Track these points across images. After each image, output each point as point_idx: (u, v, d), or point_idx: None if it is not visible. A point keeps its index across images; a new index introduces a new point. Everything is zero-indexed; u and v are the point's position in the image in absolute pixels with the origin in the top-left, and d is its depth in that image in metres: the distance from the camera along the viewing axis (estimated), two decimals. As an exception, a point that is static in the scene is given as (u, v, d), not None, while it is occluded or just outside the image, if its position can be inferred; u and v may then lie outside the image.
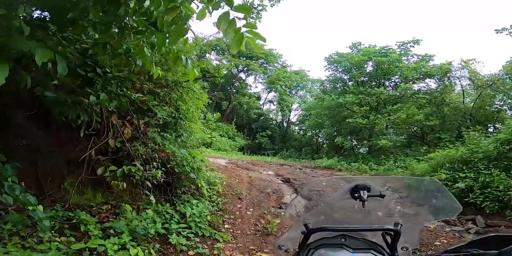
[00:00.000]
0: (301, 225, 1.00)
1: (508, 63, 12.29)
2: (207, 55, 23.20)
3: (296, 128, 28.76)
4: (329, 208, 1.24)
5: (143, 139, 3.84)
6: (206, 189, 5.14)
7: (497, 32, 6.71)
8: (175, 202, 4.30)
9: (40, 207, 2.28)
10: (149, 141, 3.81)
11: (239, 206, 5.34)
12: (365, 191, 1.04)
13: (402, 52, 15.98)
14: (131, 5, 1.91)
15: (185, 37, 1.92)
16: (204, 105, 5.91)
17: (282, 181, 8.39)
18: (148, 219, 3.31)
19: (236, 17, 1.48)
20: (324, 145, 22.81)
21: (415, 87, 15.49)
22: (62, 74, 1.70)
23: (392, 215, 1.21)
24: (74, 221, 2.89)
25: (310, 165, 13.88)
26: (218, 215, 4.58)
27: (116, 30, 2.12)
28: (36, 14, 2.34)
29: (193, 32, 2.24)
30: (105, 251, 2.59)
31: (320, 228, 0.96)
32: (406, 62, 15.82)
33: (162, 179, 3.71)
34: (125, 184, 3.51)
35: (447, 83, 14.88)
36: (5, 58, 1.44)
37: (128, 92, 3.02)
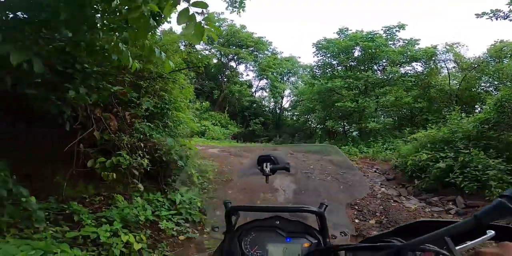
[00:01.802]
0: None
1: (492, 46, 12.48)
2: (196, 45, 22.83)
3: (289, 114, 28.92)
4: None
5: (129, 130, 3.95)
6: (197, 176, 5.32)
7: (478, 17, 6.78)
8: (166, 190, 4.48)
9: (33, 198, 2.41)
10: (135, 132, 3.93)
11: (230, 192, 5.54)
12: (268, 163, 0.93)
13: (388, 36, 16.19)
14: (100, 4, 1.98)
15: (155, 33, 2.00)
16: (190, 94, 6.00)
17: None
18: (139, 207, 3.48)
19: (195, 12, 1.57)
20: (317, 130, 23.06)
21: (402, 70, 15.77)
22: (39, 72, 1.79)
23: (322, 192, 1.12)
24: (67, 211, 3.04)
25: (302, 149, 14.17)
26: (209, 201, 4.78)
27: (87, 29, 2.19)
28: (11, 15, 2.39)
29: (157, 27, 2.30)
30: (98, 238, 2.76)
31: (240, 207, 0.88)
32: (393, 47, 16.05)
33: (149, 168, 3.85)
34: (115, 175, 3.66)
35: (432, 66, 15.14)
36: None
37: (108, 85, 3.10)
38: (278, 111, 28.57)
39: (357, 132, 16.78)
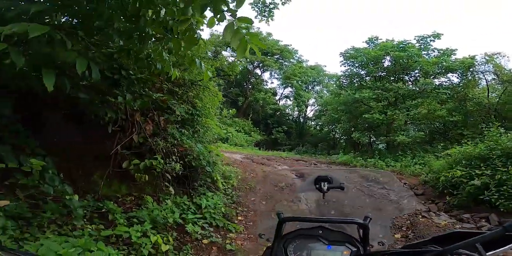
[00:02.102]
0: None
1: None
2: (223, 51, 23.47)
3: (313, 123, 28.55)
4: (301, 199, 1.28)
5: (163, 134, 4.14)
6: (222, 182, 5.42)
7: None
8: (192, 194, 4.60)
9: (76, 196, 2.59)
10: (168, 137, 4.11)
11: (252, 199, 5.58)
12: (325, 183, 1.08)
13: (422, 46, 15.48)
14: (149, 15, 2.14)
15: (200, 46, 2.12)
16: (219, 101, 6.17)
17: (296, 176, 8.53)
18: (167, 209, 3.61)
19: (240, 26, 1.66)
20: (341, 141, 22.54)
21: (436, 82, 15.01)
22: (96, 79, 1.96)
23: (361, 207, 1.26)
24: (103, 210, 3.21)
25: (325, 160, 13.91)
26: (232, 207, 4.85)
27: (137, 37, 2.37)
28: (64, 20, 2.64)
29: (203, 41, 2.44)
30: (129, 238, 2.89)
31: (291, 218, 0.99)
32: (426, 57, 15.31)
33: (181, 172, 4.00)
34: (147, 177, 3.83)
35: (470, 78, 14.28)
36: (52, 68, 1.71)
37: (150, 92, 3.30)
38: (301, 120, 28.33)
39: (383, 145, 16.18)
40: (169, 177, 3.80)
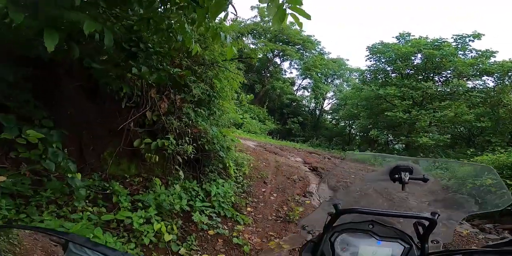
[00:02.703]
0: (328, 206, 0.94)
1: None
2: (244, 38, 22.95)
3: (329, 117, 28.07)
4: (362, 189, 1.17)
5: (178, 114, 3.91)
6: (234, 169, 5.21)
7: None
8: (202, 179, 4.42)
9: (79, 175, 2.41)
10: (183, 116, 3.88)
11: (263, 190, 5.37)
12: (407, 173, 0.95)
13: (459, 46, 14.44)
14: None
15: (227, 14, 1.81)
16: (238, 86, 5.87)
17: (310, 169, 8.26)
18: (175, 194, 3.43)
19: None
20: (357, 137, 22.04)
21: (470, 84, 14.07)
22: (109, 45, 1.72)
23: (431, 203, 1.12)
24: (107, 191, 3.06)
25: (340, 156, 13.50)
26: (242, 197, 4.64)
27: (160, 5, 2.08)
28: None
29: (234, 7, 2.13)
30: (131, 224, 2.72)
31: (349, 209, 0.88)
32: (463, 57, 14.30)
33: (192, 155, 3.78)
34: (157, 157, 3.65)
35: (507, 82, 13.26)
36: (56, 28, 1.47)
37: (168, 67, 3.04)
38: (317, 113, 27.77)
39: (402, 145, 15.57)
40: (180, 160, 3.59)
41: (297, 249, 1.04)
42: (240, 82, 5.82)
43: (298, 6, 1.47)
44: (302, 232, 1.04)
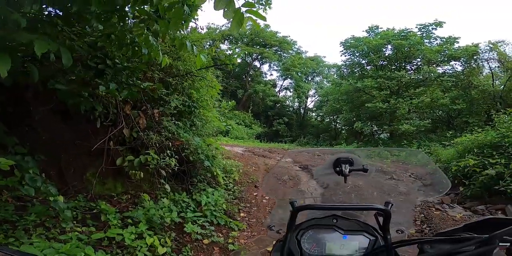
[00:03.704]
0: (286, 204, 0.93)
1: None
2: (221, 44, 23.07)
3: (314, 114, 28.39)
4: (315, 184, 1.16)
5: (157, 128, 3.87)
6: (222, 177, 5.19)
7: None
8: (191, 190, 4.37)
9: (61, 198, 2.34)
10: (163, 130, 3.85)
11: (255, 194, 5.37)
12: (347, 165, 0.97)
13: (424, 35, 15.13)
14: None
15: (188, 23, 1.83)
16: (218, 93, 5.87)
17: (300, 168, 8.30)
18: (165, 208, 3.38)
19: (234, -6, 1.37)
20: (343, 131, 22.39)
21: (440, 70, 14.70)
22: (67, 65, 1.69)
23: (382, 193, 1.12)
24: (95, 211, 2.99)
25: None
26: (234, 203, 4.62)
27: (118, 21, 2.08)
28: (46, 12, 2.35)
29: (193, 19, 2.15)
30: (122, 240, 2.67)
31: (305, 206, 0.88)
32: (429, 45, 14.97)
33: (177, 168, 3.75)
34: (142, 174, 3.59)
35: (474, 65, 13.96)
36: (9, 51, 1.44)
37: (138, 81, 3.01)
38: (302, 112, 28.07)
39: (386, 134, 15.96)
40: (164, 174, 3.54)
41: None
42: (220, 90, 5.84)
43: (253, 9, 1.51)
44: (270, 232, 1.02)
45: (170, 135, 3.94)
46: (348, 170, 0.97)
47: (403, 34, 15.18)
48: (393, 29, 16.04)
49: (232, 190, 5.18)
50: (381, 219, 0.88)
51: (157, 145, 3.57)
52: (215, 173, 4.89)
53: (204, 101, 5.05)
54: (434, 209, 5.27)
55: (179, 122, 4.27)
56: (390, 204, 0.87)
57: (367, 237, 0.91)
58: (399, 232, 0.96)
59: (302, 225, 0.93)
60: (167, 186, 3.48)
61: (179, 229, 3.32)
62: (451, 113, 14.33)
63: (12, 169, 2.39)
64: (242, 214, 4.32)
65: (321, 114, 25.64)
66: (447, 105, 13.15)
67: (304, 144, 18.93)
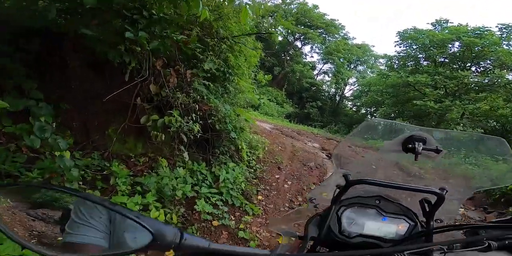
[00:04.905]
0: (339, 177, 0.91)
1: None
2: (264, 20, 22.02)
3: (349, 103, 27.06)
4: (375, 161, 1.15)
5: (186, 89, 3.56)
6: (246, 152, 4.90)
7: None
8: (211, 162, 4.14)
9: (67, 153, 2.13)
10: (192, 91, 3.53)
11: (277, 176, 5.05)
12: (420, 143, 0.91)
13: (504, 35, 12.94)
14: None
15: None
16: (256, 65, 5.39)
17: (328, 156, 7.82)
18: (180, 178, 3.15)
19: None
20: (378, 126, 20.98)
21: (511, 76, 12.73)
22: (88, 3, 1.34)
23: (440, 177, 1.09)
24: (106, 172, 2.81)
25: (360, 144, 12.90)
26: (253, 183, 4.34)
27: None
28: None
29: None
30: (124, 210, 2.46)
31: (359, 181, 0.87)
32: (507, 48, 12.90)
33: (199, 135, 3.46)
34: (163, 136, 3.36)
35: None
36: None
37: (173, 34, 2.63)
38: (337, 99, 26.77)
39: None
40: (185, 140, 3.26)
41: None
42: (258, 61, 5.35)
43: None
44: (310, 205, 1.02)
45: (199, 98, 3.62)
46: (421, 148, 0.90)
47: (477, 32, 13.20)
48: (466, 25, 14.02)
49: (254, 168, 4.90)
50: (427, 205, 0.89)
51: (183, 106, 3.26)
52: (239, 147, 4.60)
53: (240, 69, 4.62)
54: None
55: (211, 85, 3.92)
56: (445, 190, 0.86)
57: (407, 222, 0.92)
58: (438, 221, 0.94)
59: (345, 202, 0.94)
60: (185, 155, 3.22)
61: (190, 205, 3.09)
62: (507, 126, 12.67)
63: (28, 115, 2.22)
64: (260, 197, 4.04)
65: (358, 104, 24.30)
66: (507, 116, 11.56)
67: (334, 132, 18.13)
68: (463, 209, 5.40)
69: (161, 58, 3.05)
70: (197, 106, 3.38)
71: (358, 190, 0.93)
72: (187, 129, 3.13)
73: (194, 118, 3.27)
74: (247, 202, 3.63)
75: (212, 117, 3.76)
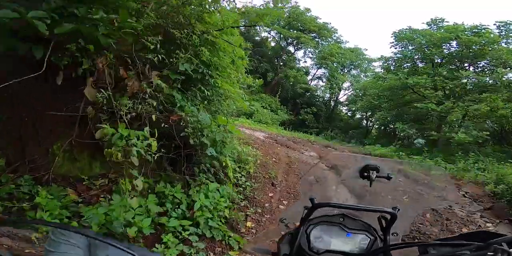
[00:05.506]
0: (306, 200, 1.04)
1: None
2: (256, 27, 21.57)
3: (344, 108, 26.60)
4: (337, 186, 1.39)
5: (151, 95, 2.82)
6: (234, 169, 4.16)
7: None
8: (190, 183, 3.39)
9: None
10: (156, 99, 2.80)
11: (270, 195, 4.30)
12: (374, 172, 1.14)
13: (503, 33, 12.58)
14: None
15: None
16: (245, 67, 4.68)
17: (327, 167, 7.07)
18: (140, 207, 2.38)
19: None
20: (373, 130, 20.54)
21: (510, 75, 12.25)
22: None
23: (394, 198, 1.30)
24: (31, 203, 2.05)
25: (359, 151, 12.19)
26: (242, 206, 3.58)
27: None
28: None
29: None
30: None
31: (324, 204, 0.99)
32: (505, 46, 12.50)
33: (160, 154, 2.72)
34: (119, 155, 2.61)
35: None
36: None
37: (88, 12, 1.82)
38: (332, 104, 26.26)
39: (423, 141, 14.07)
40: (136, 162, 2.48)
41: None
42: (247, 63, 4.65)
43: None
44: (281, 224, 1.21)
45: (168, 106, 2.90)
46: (375, 176, 1.14)
47: (475, 30, 12.79)
48: (463, 24, 13.64)
49: (244, 186, 4.15)
50: (384, 221, 1.06)
51: (140, 117, 2.53)
52: (224, 163, 3.85)
53: (225, 71, 3.92)
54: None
55: (189, 92, 3.19)
56: (397, 209, 1.03)
57: (368, 237, 1.07)
58: (395, 234, 1.10)
59: (313, 221, 1.10)
60: (137, 182, 2.43)
61: (153, 242, 2.32)
62: (506, 126, 12.12)
63: None
64: (249, 224, 3.27)
65: (353, 109, 23.82)
66: (508, 117, 11.01)
67: (331, 139, 17.46)
68: (490, 224, 4.69)
69: (104, 55, 2.33)
70: (156, 117, 2.64)
71: (325, 209, 1.06)
72: (141, 147, 2.38)
73: (150, 132, 2.52)
74: (232, 234, 2.85)
75: (185, 130, 3.03)
